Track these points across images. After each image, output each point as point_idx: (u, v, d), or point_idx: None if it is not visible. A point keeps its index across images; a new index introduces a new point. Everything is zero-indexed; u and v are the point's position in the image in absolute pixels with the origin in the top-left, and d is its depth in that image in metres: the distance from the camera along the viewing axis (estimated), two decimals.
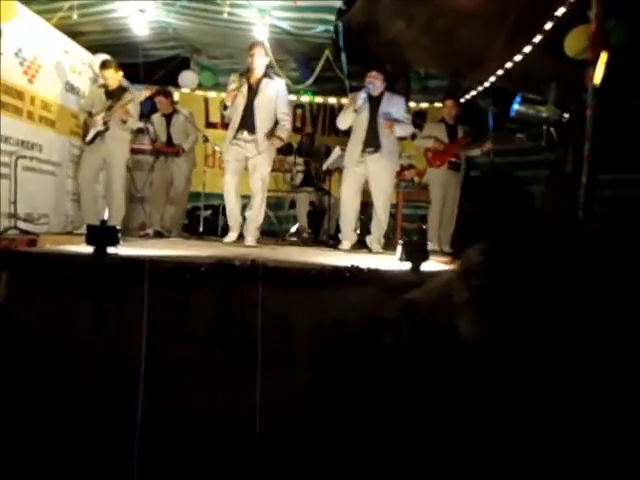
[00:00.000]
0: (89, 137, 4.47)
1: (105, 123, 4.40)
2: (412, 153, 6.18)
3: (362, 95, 4.07)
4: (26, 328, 2.44)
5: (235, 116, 4.11)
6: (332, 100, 6.69)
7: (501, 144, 5.03)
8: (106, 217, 4.75)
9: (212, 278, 2.39)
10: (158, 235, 4.89)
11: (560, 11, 3.91)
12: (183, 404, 2.41)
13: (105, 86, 4.56)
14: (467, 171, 5.23)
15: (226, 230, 4.93)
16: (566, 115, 3.41)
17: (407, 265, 2.53)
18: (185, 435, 2.23)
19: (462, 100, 6.05)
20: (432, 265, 2.81)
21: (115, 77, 4.53)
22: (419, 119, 6.78)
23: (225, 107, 4.16)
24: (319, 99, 6.81)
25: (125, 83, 4.78)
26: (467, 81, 6.30)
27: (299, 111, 6.87)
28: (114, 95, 4.48)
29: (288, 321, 2.32)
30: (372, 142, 4.08)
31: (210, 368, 2.43)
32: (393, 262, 2.68)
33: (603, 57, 2.84)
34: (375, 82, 4.12)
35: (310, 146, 5.58)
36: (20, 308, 2.51)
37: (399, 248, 2.58)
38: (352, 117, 4.13)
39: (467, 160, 5.04)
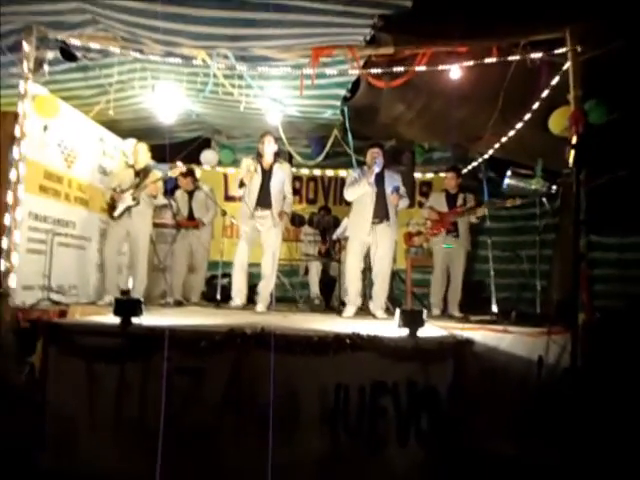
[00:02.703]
0: (118, 212, 4.71)
1: (135, 199, 4.74)
2: (420, 220, 6.47)
3: (375, 170, 4.31)
4: (57, 392, 2.67)
5: (251, 194, 4.56)
6: (342, 173, 7.08)
7: (496, 209, 5.24)
8: (130, 287, 5.06)
9: (225, 345, 2.61)
10: (178, 304, 5.16)
11: (545, 93, 4.30)
12: (199, 466, 2.57)
13: (133, 166, 4.98)
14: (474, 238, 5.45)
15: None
16: (554, 187, 3.66)
17: (405, 331, 2.71)
18: None
19: (465, 170, 6.39)
20: (431, 330, 2.98)
21: (147, 155, 4.98)
22: (426, 188, 7.22)
23: (242, 185, 4.57)
24: (330, 172, 7.25)
25: (151, 163, 5.20)
26: (469, 152, 6.70)
27: (312, 184, 7.33)
28: (141, 174, 4.87)
29: (295, 385, 2.50)
30: (380, 213, 4.36)
31: (223, 433, 2.59)
32: (393, 328, 2.85)
33: (574, 140, 3.13)
34: (379, 158, 4.41)
35: (322, 217, 5.92)
36: (52, 375, 2.75)
37: (397, 315, 2.77)
38: (364, 190, 4.36)
39: (470, 227, 5.24)
